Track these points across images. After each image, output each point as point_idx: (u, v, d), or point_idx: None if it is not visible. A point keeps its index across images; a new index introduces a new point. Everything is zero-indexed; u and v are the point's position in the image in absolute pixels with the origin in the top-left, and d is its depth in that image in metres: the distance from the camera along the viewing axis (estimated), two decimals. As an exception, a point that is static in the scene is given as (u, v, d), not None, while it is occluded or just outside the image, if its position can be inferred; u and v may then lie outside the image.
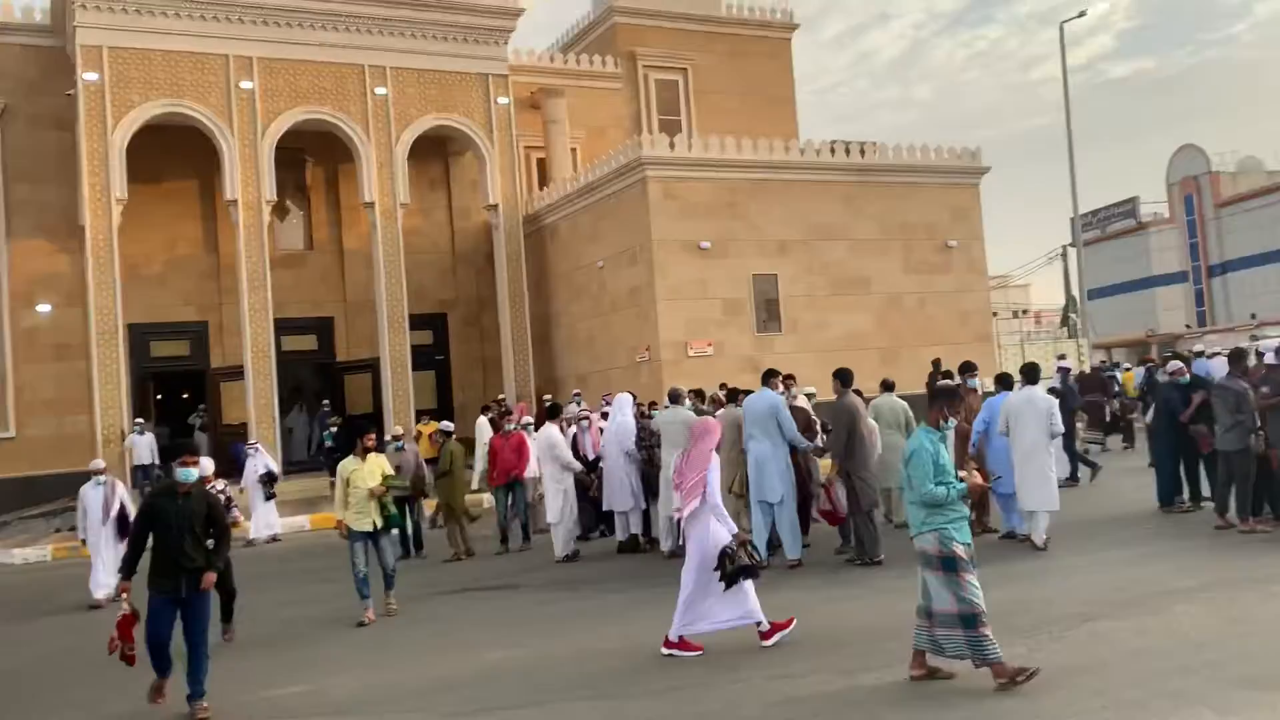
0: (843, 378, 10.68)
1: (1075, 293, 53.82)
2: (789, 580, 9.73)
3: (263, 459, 17.18)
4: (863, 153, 24.97)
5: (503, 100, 26.28)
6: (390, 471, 9.77)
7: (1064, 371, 18.87)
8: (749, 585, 7.28)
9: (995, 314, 77.63)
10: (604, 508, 13.00)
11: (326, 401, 24.91)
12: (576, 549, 12.50)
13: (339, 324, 27.62)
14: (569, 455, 12.55)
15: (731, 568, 7.14)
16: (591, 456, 13.34)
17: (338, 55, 24.47)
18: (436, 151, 28.52)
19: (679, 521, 7.95)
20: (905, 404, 14.08)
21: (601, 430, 13.28)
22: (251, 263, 23.49)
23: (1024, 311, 70.00)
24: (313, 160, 27.14)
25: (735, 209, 23.35)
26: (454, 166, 28.93)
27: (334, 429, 21.82)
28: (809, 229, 24.13)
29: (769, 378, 10.95)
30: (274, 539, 17.10)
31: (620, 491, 12.45)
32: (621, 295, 23.75)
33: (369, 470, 9.47)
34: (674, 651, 7.15)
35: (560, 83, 29.85)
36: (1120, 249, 52.97)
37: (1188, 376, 12.02)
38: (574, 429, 14.06)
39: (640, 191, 22.66)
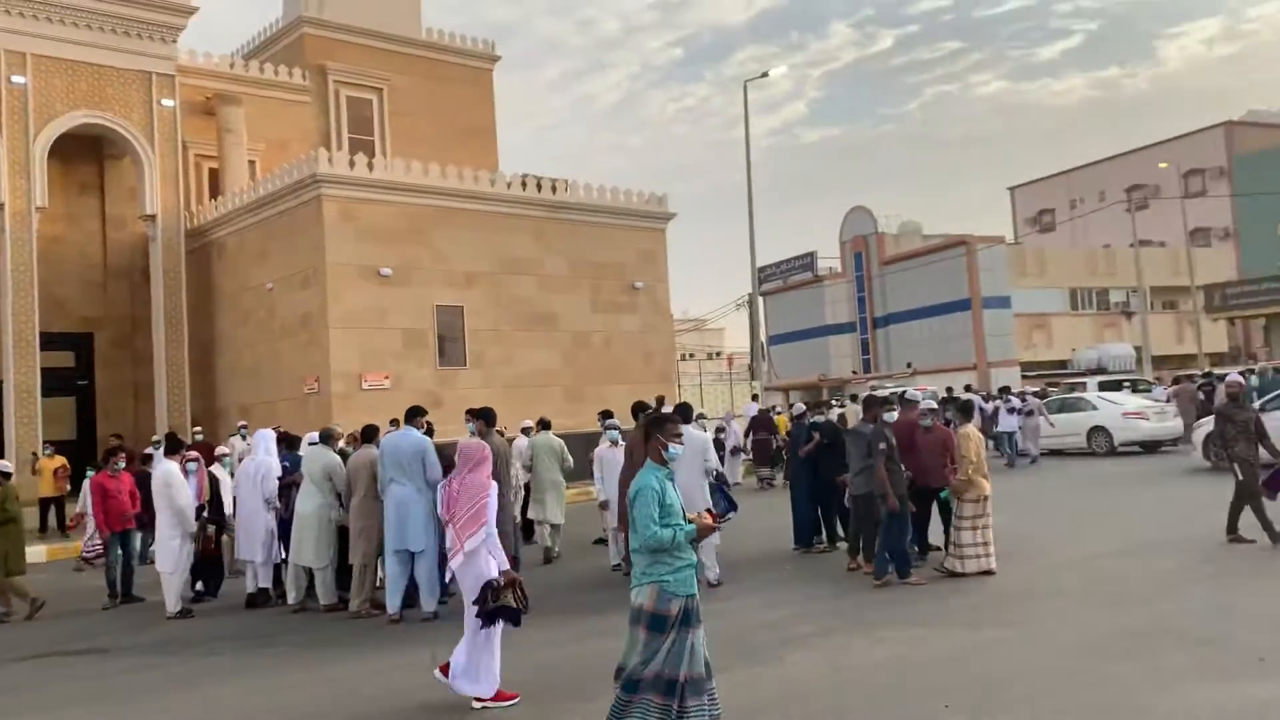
0: (485, 417, 10.15)
1: (760, 339, 57.04)
2: (426, 635, 8.98)
3: None
4: (554, 189, 24.87)
5: (167, 103, 23.99)
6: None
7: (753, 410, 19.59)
8: (497, 635, 6.60)
9: (691, 355, 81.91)
10: (236, 555, 11.69)
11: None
12: (189, 607, 11.08)
13: (-45, 340, 23.90)
14: (186, 497, 11.10)
15: (493, 605, 6.47)
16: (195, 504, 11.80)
17: (-37, 33, 21.35)
18: (89, 152, 25.65)
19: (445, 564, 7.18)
20: (561, 442, 13.98)
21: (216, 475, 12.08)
22: None
23: (718, 353, 73.63)
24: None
25: (421, 236, 22.45)
26: (110, 170, 26.09)
27: None
28: (498, 262, 23.64)
29: (413, 416, 10.17)
30: None
31: (250, 540, 11.20)
32: (292, 321, 22.14)
33: None
34: (488, 704, 6.40)
35: (239, 89, 27.75)
36: (799, 299, 56.71)
37: (813, 420, 12.79)
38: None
39: (315, 210, 21.26)
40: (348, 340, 21.24)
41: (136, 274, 25.80)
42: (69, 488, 18.51)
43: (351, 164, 21.83)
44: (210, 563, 11.86)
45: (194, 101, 27.31)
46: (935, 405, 11.61)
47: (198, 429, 21.23)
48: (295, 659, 8.46)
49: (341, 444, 12.07)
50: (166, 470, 11.19)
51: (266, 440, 11.54)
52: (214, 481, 12.15)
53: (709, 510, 5.79)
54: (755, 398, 21.84)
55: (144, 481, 12.09)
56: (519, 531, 11.60)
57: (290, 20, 30.35)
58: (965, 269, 46.32)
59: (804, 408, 14.52)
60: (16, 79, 21.82)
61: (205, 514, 11.62)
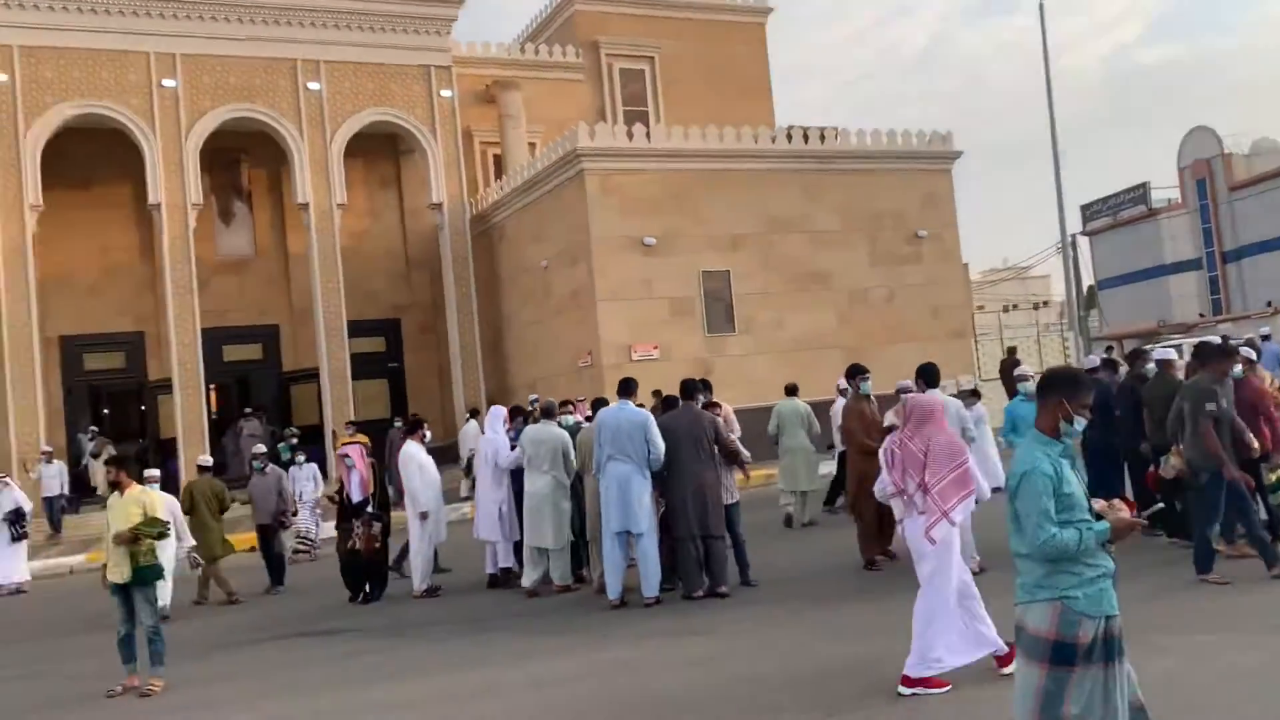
0: (687, 388, 9.45)
1: (1085, 284, 51.82)
2: (649, 622, 8.42)
3: (10, 494, 14.66)
4: (822, 139, 23.47)
5: (446, 93, 25.05)
6: (158, 510, 8.27)
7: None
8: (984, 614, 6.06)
9: (1015, 306, 76.01)
10: (475, 534, 11.67)
11: (249, 410, 23.75)
12: (437, 584, 11.17)
13: (285, 332, 26.49)
14: (416, 480, 11.15)
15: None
16: (357, 498, 10.98)
17: (268, 49, 23.36)
18: (387, 149, 27.41)
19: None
20: (808, 407, 13.09)
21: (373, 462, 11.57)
22: (177, 270, 22.41)
23: (1044, 303, 67.89)
24: (251, 162, 26.04)
25: (683, 203, 21.93)
26: (405, 165, 27.74)
27: (294, 441, 20.57)
28: (765, 222, 22.67)
29: (627, 389, 9.57)
30: (18, 590, 14.52)
31: (488, 519, 11.11)
32: (564, 297, 22.43)
33: (124, 510, 8.01)
34: (916, 690, 5.85)
35: (516, 74, 28.53)
36: (1131, 236, 50.91)
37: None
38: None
39: (578, 186, 21.32)
40: (616, 312, 21.17)
41: (435, 261, 27.31)
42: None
43: (632, 134, 21.69)
44: (371, 564, 10.94)
45: (475, 91, 28.41)
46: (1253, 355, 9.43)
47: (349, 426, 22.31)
48: (581, 643, 8.11)
49: (572, 416, 11.80)
50: (406, 452, 11.37)
51: (496, 418, 11.42)
52: (380, 472, 11.54)
53: (1123, 498, 4.11)
54: (1109, 349, 19.07)
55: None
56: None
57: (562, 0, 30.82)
58: (1337, 186, 39.36)
59: (1097, 360, 12.33)
60: (312, 85, 23.58)
61: (369, 508, 10.89)
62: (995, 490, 8.17)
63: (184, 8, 22.50)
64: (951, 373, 23.61)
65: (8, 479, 15.10)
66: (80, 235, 24.31)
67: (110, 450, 16.04)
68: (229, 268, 26.20)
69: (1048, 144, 26.35)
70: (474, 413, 19.00)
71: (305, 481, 14.83)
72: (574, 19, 30.27)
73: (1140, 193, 51.33)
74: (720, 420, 9.96)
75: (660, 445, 9.09)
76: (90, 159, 23.72)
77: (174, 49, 22.44)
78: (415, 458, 11.22)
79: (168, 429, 23.73)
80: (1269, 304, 41.86)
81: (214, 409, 24.70)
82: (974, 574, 8.47)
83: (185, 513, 11.50)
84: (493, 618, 9.48)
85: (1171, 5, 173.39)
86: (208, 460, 13.27)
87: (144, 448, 23.65)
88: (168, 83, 22.30)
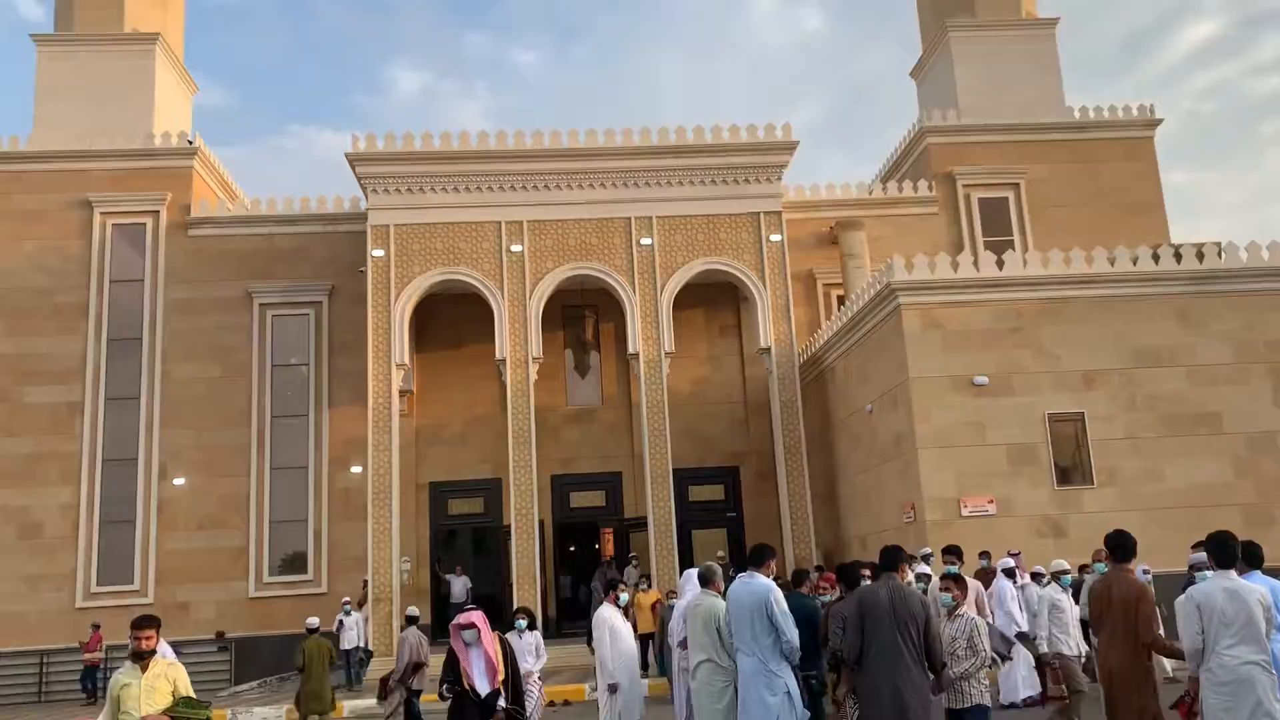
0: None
1: None
2: None
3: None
4: (1201, 256, 19.76)
5: (775, 238, 24.64)
6: (186, 688, 6.70)
7: None
8: None
9: None
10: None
11: (633, 557, 24.00)
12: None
13: (626, 479, 26.84)
14: (607, 648, 10.10)
15: None
16: (484, 688, 7.95)
17: (603, 211, 24.52)
18: (728, 297, 27.47)
19: None
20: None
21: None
22: (518, 420, 23.57)
23: None
24: (600, 317, 27.19)
25: (1023, 336, 19.34)
26: (744, 312, 27.52)
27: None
28: (1129, 355, 19.32)
29: (760, 558, 7.91)
30: None
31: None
32: (888, 444, 20.47)
33: (149, 686, 6.53)
34: None
35: (861, 214, 27.57)
36: None
37: None
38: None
39: (895, 322, 19.60)
40: (941, 461, 18.85)
41: (770, 408, 26.52)
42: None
43: (939, 265, 19.81)
44: None
45: (819, 233, 27.85)
46: None
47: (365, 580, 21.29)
48: None
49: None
50: (599, 616, 10.43)
51: (691, 580, 10.13)
52: (510, 654, 8.56)
53: None
54: None
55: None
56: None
57: (914, 134, 29.57)
58: None
59: None
60: (644, 240, 24.27)
61: (503, 702, 7.87)
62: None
63: (531, 179, 24.35)
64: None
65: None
66: (451, 390, 26.65)
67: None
68: (578, 417, 27.26)
69: None
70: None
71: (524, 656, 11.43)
72: (928, 152, 28.83)
73: None
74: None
75: (791, 631, 7.32)
76: (463, 323, 26.07)
77: (520, 216, 24.26)
78: (608, 622, 10.23)
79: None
80: None
81: (548, 553, 25.41)
82: None
83: (298, 669, 11.87)
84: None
85: None
86: (315, 621, 14.42)
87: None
88: (515, 248, 24.05)
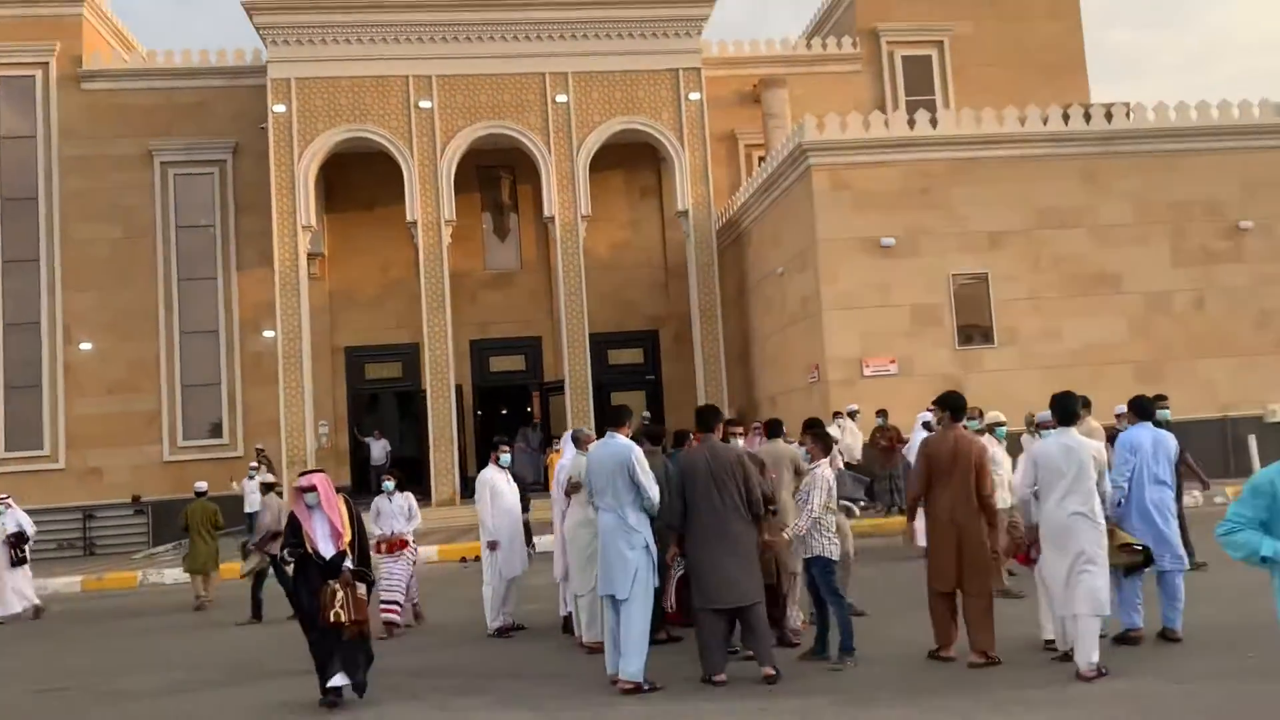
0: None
1: None
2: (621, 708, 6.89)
3: (13, 515, 14.33)
4: (1109, 117, 19.76)
5: (694, 96, 24.10)
6: None
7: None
8: None
9: None
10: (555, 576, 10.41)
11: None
12: (512, 622, 10.14)
13: (547, 343, 26.81)
14: (484, 512, 10.20)
15: None
16: (328, 551, 7.53)
17: (517, 66, 23.68)
18: (648, 158, 26.94)
19: None
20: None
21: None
22: (431, 284, 23.25)
23: None
24: (513, 177, 26.63)
25: (931, 197, 19.35)
26: (665, 174, 27.10)
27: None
28: (1033, 216, 19.48)
29: (617, 420, 7.91)
30: (38, 612, 14.11)
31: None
32: (797, 306, 20.62)
33: None
34: None
35: (783, 72, 27.01)
36: None
37: None
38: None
39: (806, 184, 19.46)
40: (846, 322, 19.06)
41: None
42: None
43: (851, 124, 19.58)
44: (353, 643, 7.42)
45: (743, 92, 27.30)
46: None
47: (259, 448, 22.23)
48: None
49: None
50: (481, 477, 10.48)
51: (567, 441, 10.21)
52: (357, 516, 7.93)
53: None
54: None
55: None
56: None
57: (841, -11, 28.82)
58: None
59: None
60: (559, 98, 23.59)
61: (349, 563, 7.47)
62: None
63: (440, 30, 23.37)
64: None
65: (9, 500, 14.84)
66: (365, 254, 26.11)
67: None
68: (497, 281, 26.98)
69: None
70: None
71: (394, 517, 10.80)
72: (853, 7, 28.15)
73: None
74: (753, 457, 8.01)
75: (652, 488, 7.44)
76: (374, 182, 25.31)
77: (430, 71, 23.36)
78: (490, 482, 10.29)
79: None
80: None
81: (469, 415, 25.56)
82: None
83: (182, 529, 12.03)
84: (499, 675, 8.30)
85: None
86: (203, 486, 14.66)
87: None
88: (424, 104, 23.25)
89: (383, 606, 10.13)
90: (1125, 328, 19.41)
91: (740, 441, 9.41)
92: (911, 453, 12.40)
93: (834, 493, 7.94)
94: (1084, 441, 7.17)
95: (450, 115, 23.46)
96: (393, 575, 10.31)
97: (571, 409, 23.35)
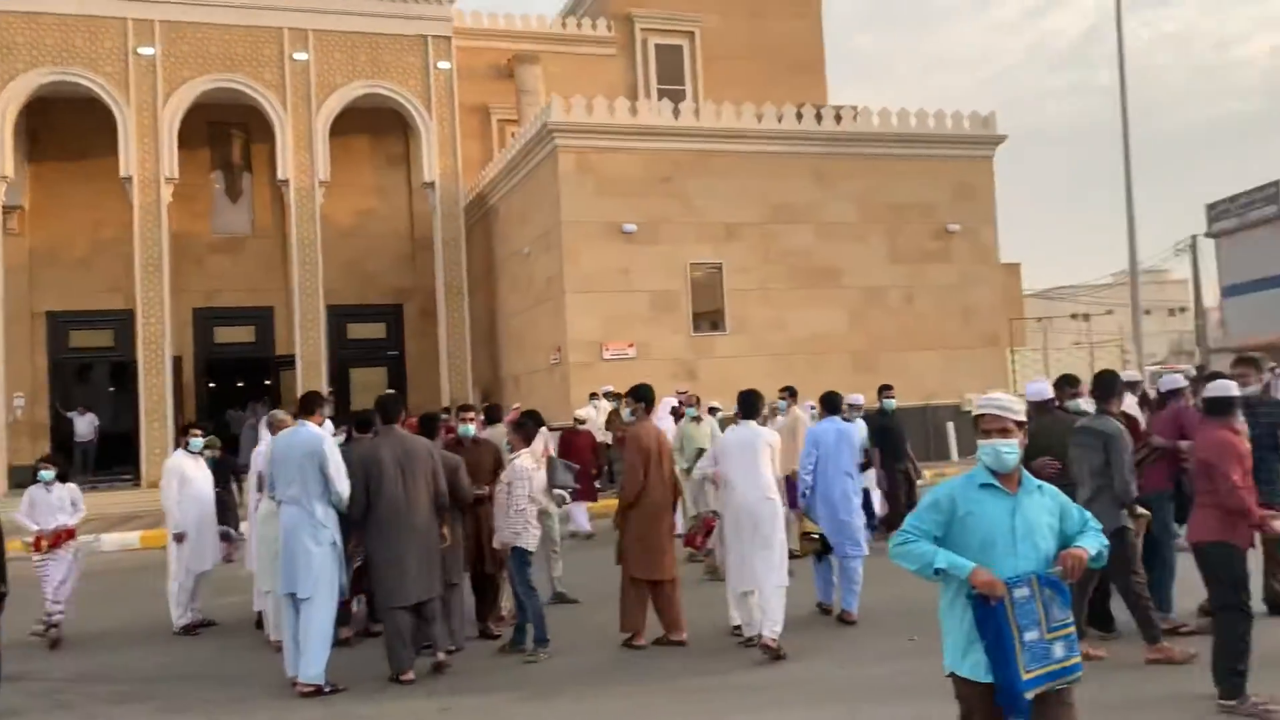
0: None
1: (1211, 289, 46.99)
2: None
3: None
4: (838, 118, 20.86)
5: (443, 65, 23.46)
6: None
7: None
8: None
9: (1148, 311, 70.76)
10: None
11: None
12: (201, 619, 9.43)
13: (280, 314, 25.41)
14: (169, 501, 9.46)
15: None
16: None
17: (252, 18, 22.22)
18: (397, 125, 25.97)
19: None
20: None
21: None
22: (148, 246, 21.48)
23: (1181, 309, 62.17)
24: (247, 136, 25.00)
25: (672, 186, 19.74)
26: (413, 141, 26.26)
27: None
28: (766, 210, 20.28)
29: (310, 407, 7.53)
30: None
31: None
32: (542, 286, 20.56)
33: None
34: None
35: (538, 48, 26.79)
36: (1264, 240, 45.89)
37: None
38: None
39: (552, 165, 19.38)
40: (588, 305, 19.16)
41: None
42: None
43: (597, 108, 19.63)
44: None
45: (497, 66, 26.85)
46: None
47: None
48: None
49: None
50: (168, 464, 9.68)
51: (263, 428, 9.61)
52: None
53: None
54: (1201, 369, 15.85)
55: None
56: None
57: (598, -30, 28.86)
58: None
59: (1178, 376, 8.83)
60: (298, 55, 22.32)
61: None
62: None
63: (165, -29, 21.53)
64: (980, 385, 20.81)
65: None
66: (74, 209, 23.74)
67: None
68: (226, 246, 25.29)
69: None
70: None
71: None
72: (609, -10, 28.29)
73: (1272, 192, 46.16)
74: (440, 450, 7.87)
75: (342, 482, 7.10)
76: (86, 132, 22.99)
77: (152, 15, 21.49)
78: (178, 469, 9.51)
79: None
80: None
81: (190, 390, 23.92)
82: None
83: None
84: (171, 678, 7.70)
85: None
86: None
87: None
88: (144, 51, 21.36)
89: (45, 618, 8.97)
90: (845, 319, 20.60)
91: (472, 428, 9.12)
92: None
93: (537, 482, 7.86)
94: (761, 431, 7.56)
95: (175, 65, 21.70)
96: (50, 577, 9.00)
97: (303, 385, 22.20)
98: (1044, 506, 3.69)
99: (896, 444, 11.80)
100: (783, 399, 11.91)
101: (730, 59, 28.77)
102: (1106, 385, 6.99)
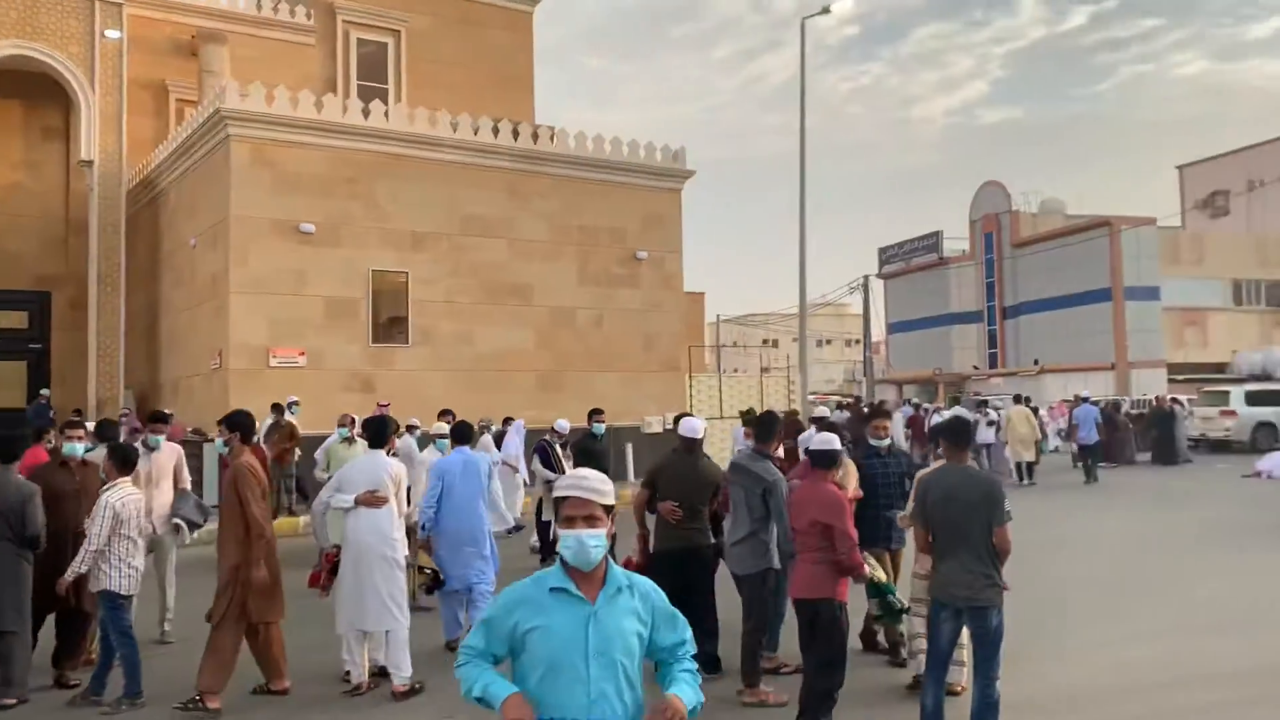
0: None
1: (878, 325, 51.43)
2: None
3: None
4: (535, 137, 20.86)
5: (112, 34, 21.33)
6: None
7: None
8: None
9: (828, 341, 76.15)
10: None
11: None
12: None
13: (-108, 295, 22.09)
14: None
15: None
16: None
17: None
18: (58, 95, 23.29)
19: None
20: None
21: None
22: None
23: (857, 340, 67.64)
24: None
25: (356, 187, 18.89)
26: (75, 114, 23.69)
27: None
28: (457, 221, 19.87)
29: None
30: None
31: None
32: (207, 284, 19.04)
33: None
34: None
35: (226, 27, 24.90)
36: (923, 283, 50.94)
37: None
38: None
39: (224, 154, 18.00)
40: (254, 308, 17.89)
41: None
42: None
43: (279, 98, 18.43)
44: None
45: (179, 41, 24.73)
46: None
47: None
48: None
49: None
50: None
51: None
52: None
53: None
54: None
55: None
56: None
57: (300, -47, 27.34)
58: (1108, 254, 39.64)
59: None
60: (-73, 3, 19.52)
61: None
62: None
63: None
64: (659, 409, 21.43)
65: None
66: None
67: None
68: None
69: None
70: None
71: None
72: (312, -25, 26.87)
73: (933, 241, 51.34)
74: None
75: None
76: None
77: None
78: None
79: None
80: (1036, 362, 41.95)
81: None
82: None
83: None
84: None
85: (1012, 71, 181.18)
86: None
87: None
88: None
89: None
90: (533, 338, 20.56)
91: (79, 446, 8.01)
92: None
93: (127, 520, 7.01)
94: (388, 462, 7.16)
95: None
96: None
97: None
98: (629, 610, 2.99)
99: (601, 468, 11.73)
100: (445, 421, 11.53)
101: (439, 63, 28.16)
102: (766, 426, 7.12)
